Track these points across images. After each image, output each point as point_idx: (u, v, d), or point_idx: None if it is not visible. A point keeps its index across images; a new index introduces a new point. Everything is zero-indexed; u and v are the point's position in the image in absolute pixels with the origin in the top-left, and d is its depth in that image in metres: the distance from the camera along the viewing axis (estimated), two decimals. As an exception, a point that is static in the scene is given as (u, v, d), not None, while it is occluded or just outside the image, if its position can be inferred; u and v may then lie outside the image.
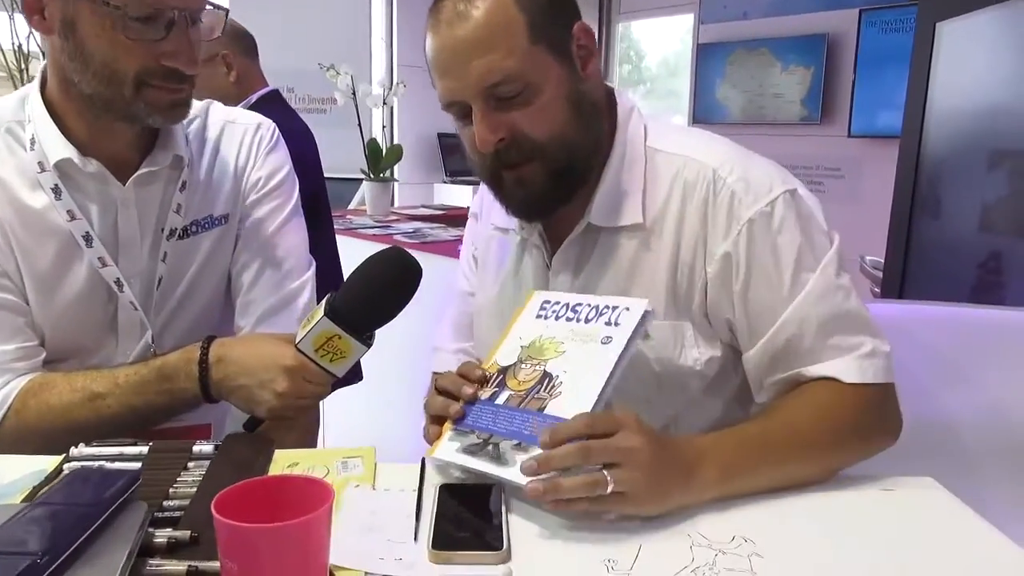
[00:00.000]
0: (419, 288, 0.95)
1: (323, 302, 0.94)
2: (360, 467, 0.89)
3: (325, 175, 2.44)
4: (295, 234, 1.17)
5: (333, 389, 1.05)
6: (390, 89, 3.47)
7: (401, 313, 0.96)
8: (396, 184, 3.97)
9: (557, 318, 0.94)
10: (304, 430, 1.10)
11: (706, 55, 4.91)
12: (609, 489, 0.74)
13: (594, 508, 0.76)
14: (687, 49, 5.13)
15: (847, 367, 0.91)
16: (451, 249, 2.56)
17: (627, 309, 0.89)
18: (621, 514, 0.77)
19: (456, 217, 3.66)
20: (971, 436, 1.33)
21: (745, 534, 0.77)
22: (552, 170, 0.94)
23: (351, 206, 4.07)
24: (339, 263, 2.30)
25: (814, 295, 0.92)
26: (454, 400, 0.90)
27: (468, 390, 0.90)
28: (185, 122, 1.08)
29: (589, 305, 0.92)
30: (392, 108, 4.72)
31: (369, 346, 0.94)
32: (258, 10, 4.70)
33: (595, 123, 0.97)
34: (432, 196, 5.19)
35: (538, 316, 0.96)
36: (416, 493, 0.83)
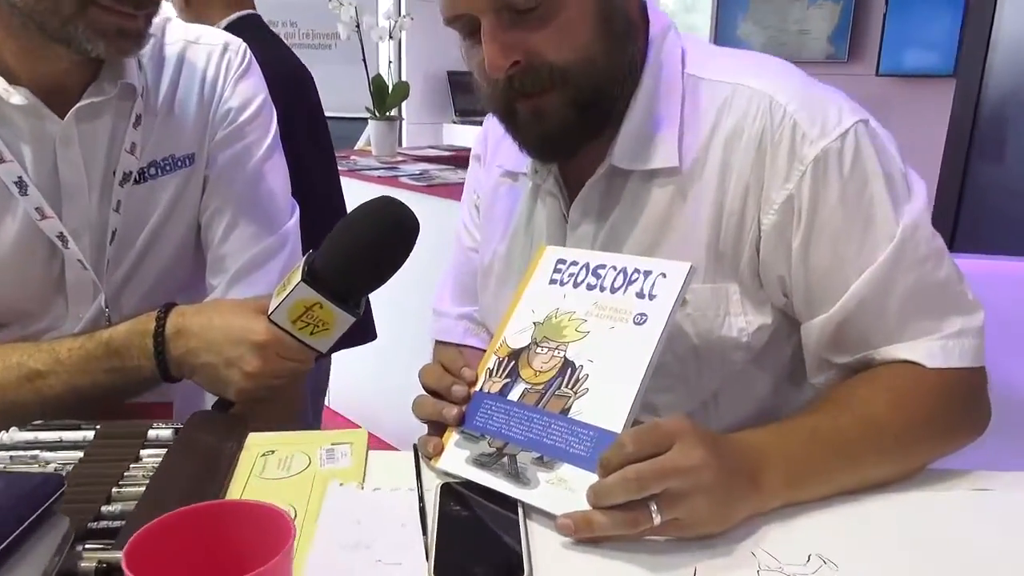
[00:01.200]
0: (417, 243, 0.79)
1: (300, 264, 0.78)
2: (348, 457, 0.74)
3: (329, 115, 2.24)
4: (274, 175, 1.00)
5: (338, 348, 0.89)
6: (397, 20, 3.25)
7: (397, 270, 0.80)
8: (403, 124, 3.76)
9: (576, 284, 0.77)
10: (289, 402, 0.95)
11: (728, -11, 4.62)
12: (657, 521, 0.60)
13: (652, 533, 0.61)
14: (709, -18, 4.84)
15: (930, 350, 0.74)
16: (459, 192, 2.39)
17: (663, 276, 0.72)
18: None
19: (466, 159, 3.48)
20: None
21: (821, 552, 0.62)
22: (576, 100, 0.76)
23: (357, 147, 3.88)
24: (343, 205, 2.11)
25: (898, 261, 0.74)
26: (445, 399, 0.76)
27: (460, 391, 0.75)
28: None
29: (614, 268, 0.75)
30: (400, 43, 4.47)
31: (357, 316, 0.78)
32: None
33: (629, 43, 0.79)
34: (441, 137, 4.97)
35: (552, 281, 0.79)
36: (415, 493, 0.68)
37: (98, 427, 0.75)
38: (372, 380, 2.81)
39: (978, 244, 1.68)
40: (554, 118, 0.76)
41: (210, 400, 0.88)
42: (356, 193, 2.82)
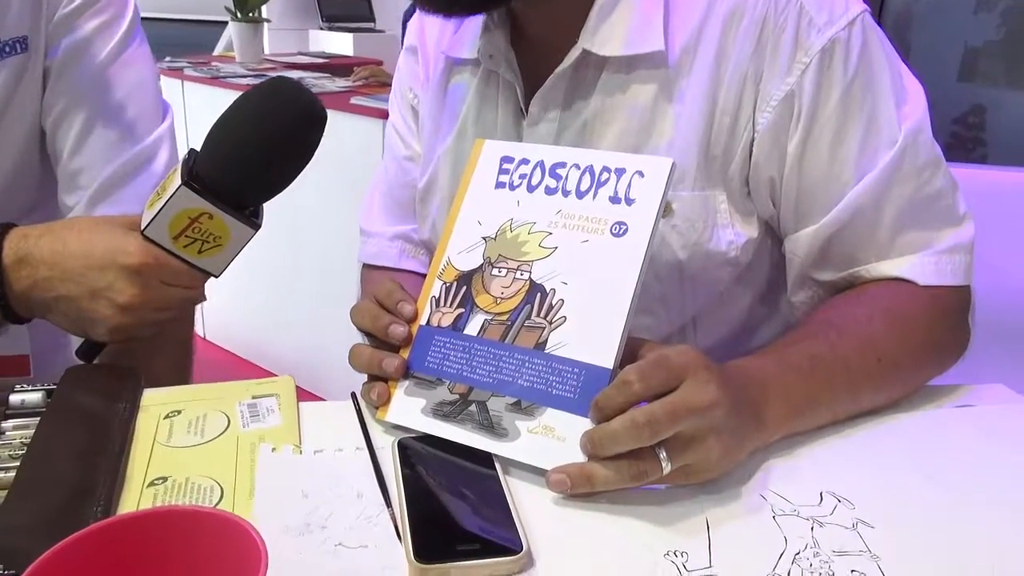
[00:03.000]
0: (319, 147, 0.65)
1: (177, 165, 0.63)
2: (275, 412, 0.61)
3: (182, 17, 1.98)
4: (137, 67, 0.81)
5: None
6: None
7: (303, 168, 0.66)
8: (267, 27, 3.43)
9: (531, 188, 0.64)
10: (175, 351, 0.80)
11: None
12: (667, 470, 0.51)
13: (661, 481, 0.53)
14: None
15: (923, 267, 0.69)
16: (341, 102, 2.19)
17: (640, 175, 0.61)
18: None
19: (341, 67, 3.22)
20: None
21: (834, 490, 0.56)
22: None
23: (216, 52, 3.52)
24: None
25: (898, 168, 0.68)
26: (385, 346, 0.63)
27: (398, 331, 0.62)
28: None
29: (577, 167, 0.63)
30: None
31: (257, 226, 0.65)
32: None
33: None
34: (307, 43, 4.61)
35: (499, 185, 0.66)
36: (365, 454, 0.56)
37: (-61, 394, 0.59)
38: (263, 314, 2.61)
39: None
40: None
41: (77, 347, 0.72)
42: (223, 104, 2.56)
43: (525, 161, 0.66)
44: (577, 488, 0.52)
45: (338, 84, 2.51)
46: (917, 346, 0.67)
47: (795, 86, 0.67)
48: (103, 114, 0.79)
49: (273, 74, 2.67)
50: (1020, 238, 1.15)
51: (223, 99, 2.47)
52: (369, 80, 2.61)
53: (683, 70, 0.69)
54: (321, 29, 4.63)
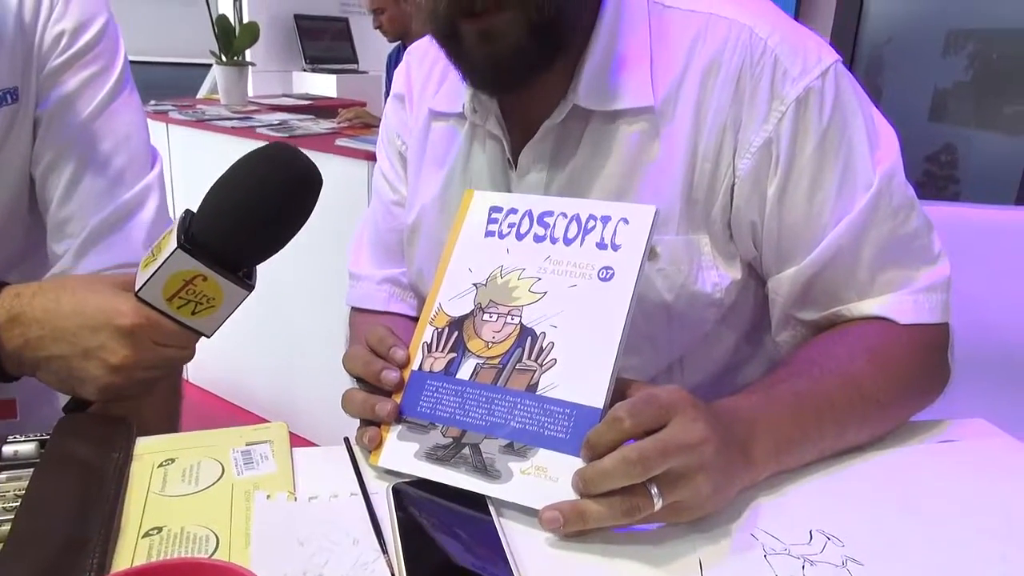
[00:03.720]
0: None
1: (173, 227, 0.63)
2: (270, 459, 0.61)
3: (167, 60, 2.00)
4: (126, 116, 0.82)
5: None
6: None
7: (297, 231, 0.67)
8: (251, 69, 3.47)
9: (520, 236, 0.66)
10: (164, 398, 0.80)
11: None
12: (658, 506, 0.52)
13: (651, 520, 0.54)
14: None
15: (902, 305, 0.71)
16: (326, 144, 2.21)
17: (625, 221, 0.63)
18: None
19: (325, 108, 3.25)
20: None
21: (823, 528, 0.57)
22: (532, 22, 0.64)
23: (200, 94, 3.54)
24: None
25: (875, 210, 0.70)
26: (378, 391, 0.64)
27: (391, 376, 0.63)
28: None
29: (564, 215, 0.65)
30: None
31: (250, 288, 0.65)
32: None
33: None
34: (291, 85, 4.65)
35: (489, 234, 0.68)
36: (360, 500, 0.57)
37: (-69, 447, 0.58)
38: (247, 355, 2.60)
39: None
40: (505, 40, 0.64)
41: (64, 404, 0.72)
42: (209, 147, 2.58)
43: (513, 211, 0.67)
44: (570, 525, 0.53)
45: (323, 126, 2.54)
46: (898, 383, 0.69)
47: (773, 133, 0.69)
48: (92, 164, 0.79)
49: (258, 117, 2.69)
50: (996, 273, 1.18)
51: (208, 142, 2.49)
52: (354, 122, 2.64)
53: (665, 118, 0.71)
54: (305, 71, 4.67)
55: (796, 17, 3.65)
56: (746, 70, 0.69)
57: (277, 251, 0.66)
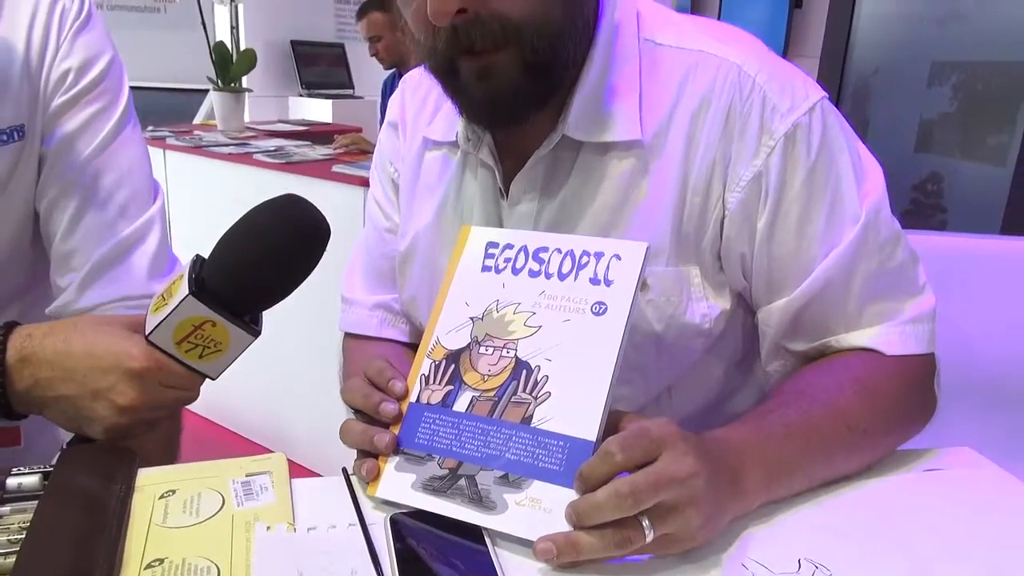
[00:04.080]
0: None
1: (184, 272, 0.65)
2: (269, 490, 0.62)
3: (164, 86, 2.02)
4: (129, 150, 0.84)
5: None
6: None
7: (304, 280, 0.68)
8: (248, 95, 3.50)
9: (516, 271, 0.68)
10: (164, 433, 0.81)
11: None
12: (649, 539, 0.53)
13: (641, 552, 0.55)
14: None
15: (889, 337, 0.73)
16: (323, 170, 2.24)
17: (617, 258, 0.64)
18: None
19: (321, 134, 3.29)
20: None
21: (811, 556, 0.58)
22: (527, 61, 0.67)
23: (196, 120, 3.57)
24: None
25: (862, 243, 0.72)
26: (376, 422, 0.65)
27: (390, 409, 0.65)
28: None
29: (559, 251, 0.67)
30: (237, 8, 4.14)
31: (257, 334, 0.67)
32: None
33: (583, 5, 0.71)
34: (287, 111, 4.69)
35: (485, 268, 0.69)
36: (358, 530, 0.58)
37: (-63, 478, 0.59)
38: (243, 382, 2.60)
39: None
40: (502, 78, 0.67)
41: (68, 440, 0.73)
42: (206, 173, 2.60)
43: (509, 246, 0.69)
44: (563, 556, 0.54)
45: (319, 152, 2.56)
46: (885, 413, 0.71)
47: (762, 168, 0.71)
48: (96, 198, 0.81)
49: (255, 143, 2.72)
50: (982, 301, 1.20)
51: (205, 168, 2.52)
52: (350, 147, 2.67)
53: (655, 153, 0.73)
54: (301, 95, 4.73)
55: (786, 47, 3.73)
56: (735, 107, 0.71)
57: (284, 298, 0.68)
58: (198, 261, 0.65)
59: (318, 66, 4.78)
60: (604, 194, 0.74)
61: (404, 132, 0.88)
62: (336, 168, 2.25)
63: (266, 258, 0.65)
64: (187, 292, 0.63)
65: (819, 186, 0.72)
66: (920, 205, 1.50)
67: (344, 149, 2.66)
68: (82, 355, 0.66)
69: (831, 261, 0.72)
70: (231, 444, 2.57)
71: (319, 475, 0.71)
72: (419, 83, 0.87)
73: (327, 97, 4.54)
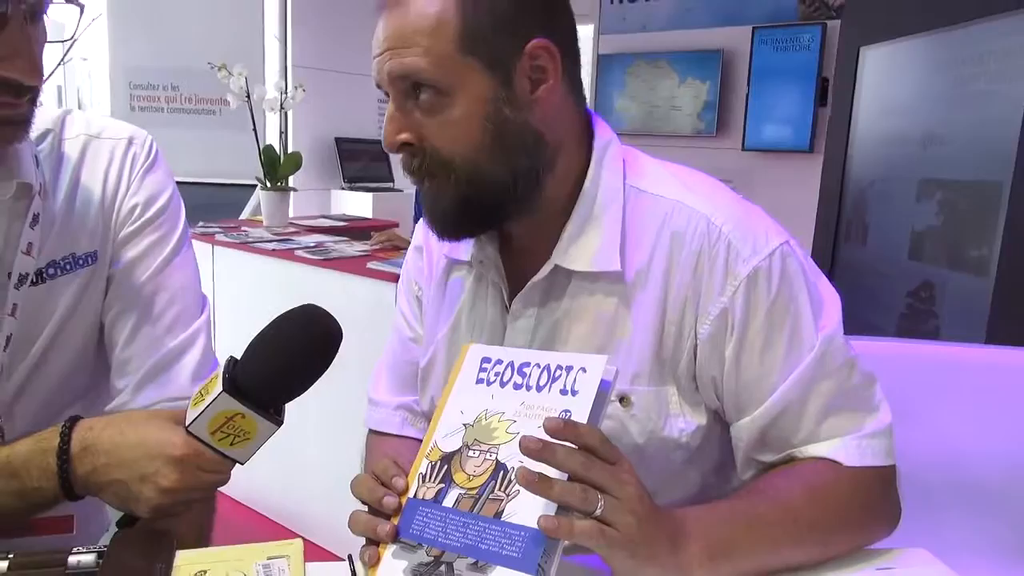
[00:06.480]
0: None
1: (219, 373, 0.77)
2: (286, 573, 0.73)
3: (216, 181, 2.20)
4: (182, 272, 0.98)
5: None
6: (286, 92, 3.24)
7: (319, 378, 0.80)
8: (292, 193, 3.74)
9: (503, 384, 0.79)
10: (198, 515, 0.92)
11: (606, 66, 4.91)
12: (598, 511, 0.65)
13: (575, 532, 0.66)
14: (587, 59, 5.11)
15: (847, 449, 0.82)
16: (358, 266, 2.39)
17: (583, 370, 0.74)
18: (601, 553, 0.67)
19: (359, 229, 3.47)
20: (922, 476, 1.29)
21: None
22: (460, 193, 0.82)
23: (244, 215, 3.79)
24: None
25: (818, 368, 0.82)
26: (380, 513, 0.76)
27: (391, 502, 0.75)
28: (35, 138, 0.88)
29: (539, 366, 0.77)
30: (287, 114, 4.44)
31: (279, 424, 0.78)
32: (135, 3, 4.35)
33: (519, 158, 0.83)
34: (329, 204, 4.94)
35: (479, 381, 0.80)
36: (360, 610, 0.68)
37: (11, 556, 0.71)
38: (272, 467, 2.71)
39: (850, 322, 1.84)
40: (439, 202, 0.83)
41: (111, 510, 0.84)
42: (252, 266, 2.78)
43: (500, 361, 0.80)
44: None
45: (356, 248, 2.72)
46: (836, 515, 0.79)
47: (728, 304, 0.82)
48: (152, 313, 0.95)
49: (296, 239, 2.89)
50: (971, 409, 1.27)
51: (251, 262, 2.69)
52: (385, 244, 2.83)
53: (638, 285, 0.85)
54: (343, 189, 4.98)
55: (812, 142, 3.84)
56: (704, 252, 0.83)
57: (303, 392, 0.79)
58: (231, 362, 0.77)
59: (360, 161, 5.04)
60: (594, 318, 0.86)
61: (428, 255, 1.02)
62: (370, 265, 2.40)
63: (288, 363, 0.77)
64: (221, 389, 0.75)
65: (779, 321, 0.82)
66: (915, 311, 1.58)
67: (380, 246, 2.82)
68: (135, 445, 0.78)
69: (789, 384, 0.82)
70: (258, 526, 2.66)
71: (335, 554, 0.81)
72: None
73: (368, 190, 4.77)
